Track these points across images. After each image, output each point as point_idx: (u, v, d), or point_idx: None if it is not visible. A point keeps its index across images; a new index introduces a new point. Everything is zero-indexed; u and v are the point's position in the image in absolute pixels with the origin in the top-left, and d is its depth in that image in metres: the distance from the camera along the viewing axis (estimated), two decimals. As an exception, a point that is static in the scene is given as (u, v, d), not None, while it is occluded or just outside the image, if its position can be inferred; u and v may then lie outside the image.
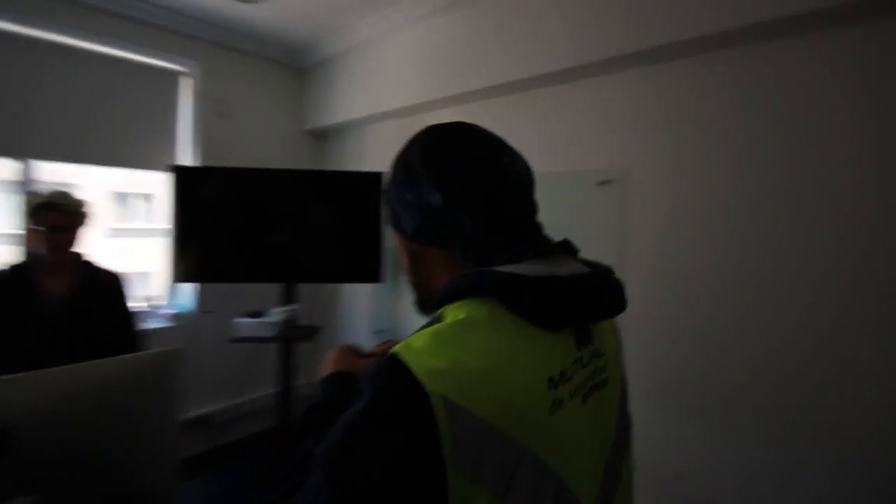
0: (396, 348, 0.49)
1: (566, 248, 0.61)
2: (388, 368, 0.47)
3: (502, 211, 0.60)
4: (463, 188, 0.60)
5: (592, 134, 1.79)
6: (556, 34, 1.75)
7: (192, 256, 2.23)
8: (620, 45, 1.58)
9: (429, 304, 0.67)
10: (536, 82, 1.90)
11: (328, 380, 0.76)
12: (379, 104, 2.48)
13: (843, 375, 1.27)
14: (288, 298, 2.42)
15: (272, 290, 2.45)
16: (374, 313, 2.73)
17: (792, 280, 1.35)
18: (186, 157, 2.54)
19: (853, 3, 1.16)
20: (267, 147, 2.81)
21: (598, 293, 0.58)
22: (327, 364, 0.80)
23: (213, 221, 2.26)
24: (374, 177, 2.34)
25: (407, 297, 2.55)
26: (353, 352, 0.84)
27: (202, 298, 2.49)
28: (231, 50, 2.61)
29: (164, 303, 2.57)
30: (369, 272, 2.39)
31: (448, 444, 0.43)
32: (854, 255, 1.26)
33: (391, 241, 0.71)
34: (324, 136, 3.09)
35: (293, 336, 2.33)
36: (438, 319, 0.53)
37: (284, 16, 2.39)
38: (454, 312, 0.52)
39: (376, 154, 2.72)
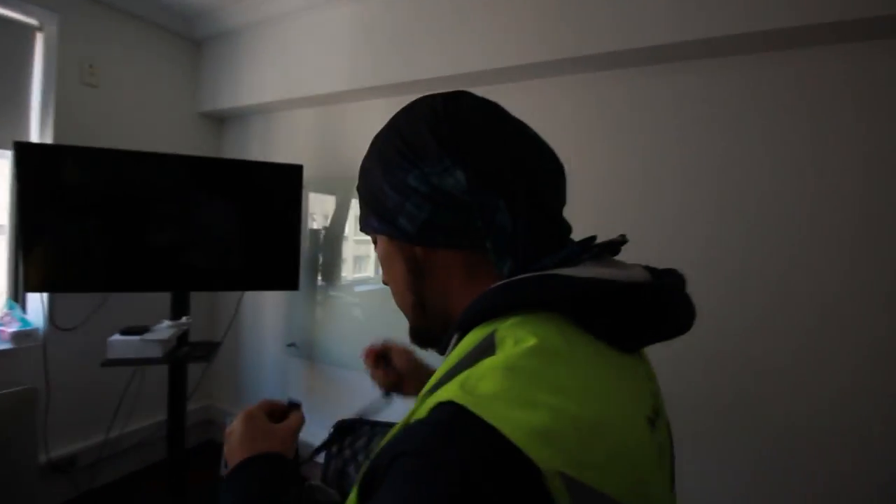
0: (454, 396, 0.32)
1: (612, 248, 0.47)
2: (461, 430, 0.30)
3: (546, 195, 0.46)
4: (495, 160, 0.45)
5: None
6: (501, 32, 1.66)
7: (43, 259, 1.74)
8: (563, 50, 1.54)
9: (434, 333, 0.50)
10: (476, 79, 1.78)
11: (242, 475, 0.54)
12: (295, 88, 2.19)
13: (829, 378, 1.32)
14: (178, 310, 2.02)
15: (158, 300, 2.02)
16: (287, 324, 2.40)
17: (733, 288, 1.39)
18: (45, 133, 2.00)
19: (769, 31, 1.22)
20: (149, 127, 2.33)
21: (676, 308, 0.44)
22: (233, 449, 0.58)
23: (73, 215, 1.79)
24: (294, 170, 2.05)
25: (326, 304, 2.30)
26: (266, 412, 0.64)
27: (57, 312, 1.97)
28: (103, 5, 2.12)
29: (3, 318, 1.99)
30: (284, 278, 2.09)
31: None
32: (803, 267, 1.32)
33: (373, 248, 0.55)
34: (222, 121, 2.67)
35: (186, 356, 1.94)
36: (490, 346, 0.37)
37: (179, -28, 2.00)
38: (515, 334, 0.37)
39: (289, 145, 2.41)
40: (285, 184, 2.06)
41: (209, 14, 2.35)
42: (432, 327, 0.51)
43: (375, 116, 2.12)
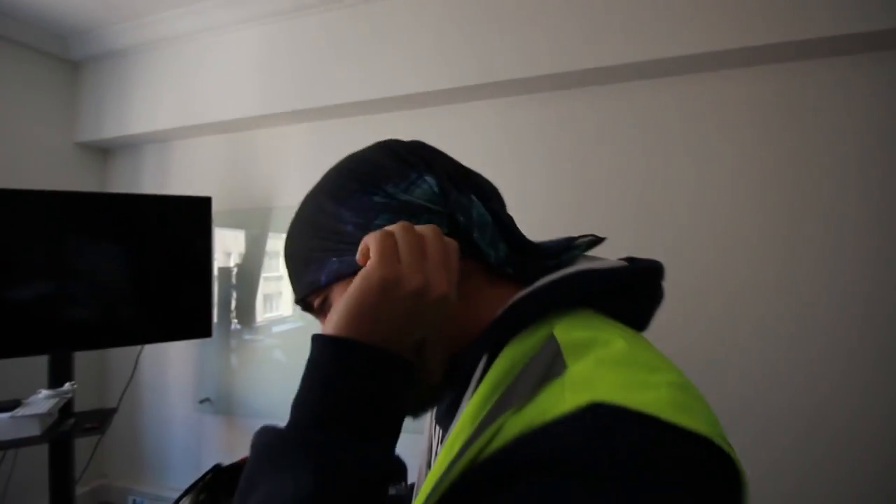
0: (600, 397, 0.28)
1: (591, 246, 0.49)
2: (628, 428, 0.27)
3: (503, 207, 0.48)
4: (455, 167, 0.47)
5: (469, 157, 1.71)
6: (419, 54, 1.65)
7: None
8: (493, 72, 1.57)
9: (429, 387, 0.43)
10: (399, 103, 1.75)
11: (353, 356, 0.35)
12: (197, 114, 1.99)
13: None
14: (59, 376, 1.70)
15: (31, 366, 1.68)
16: (198, 378, 2.12)
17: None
18: None
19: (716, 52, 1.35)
20: (16, 161, 1.98)
21: (660, 292, 0.46)
22: (351, 303, 0.36)
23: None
24: (201, 202, 1.84)
25: (242, 350, 2.07)
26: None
27: None
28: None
29: None
30: (194, 325, 1.85)
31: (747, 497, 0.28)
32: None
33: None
34: (106, 152, 2.35)
35: (72, 429, 1.63)
36: (556, 352, 0.34)
37: (49, -15, 1.74)
38: (575, 335, 0.35)
39: (189, 176, 2.17)
40: (191, 218, 1.84)
41: (90, 32, 2.08)
42: (429, 370, 0.42)
43: (289, 142, 1.99)
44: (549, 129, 1.63)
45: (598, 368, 0.31)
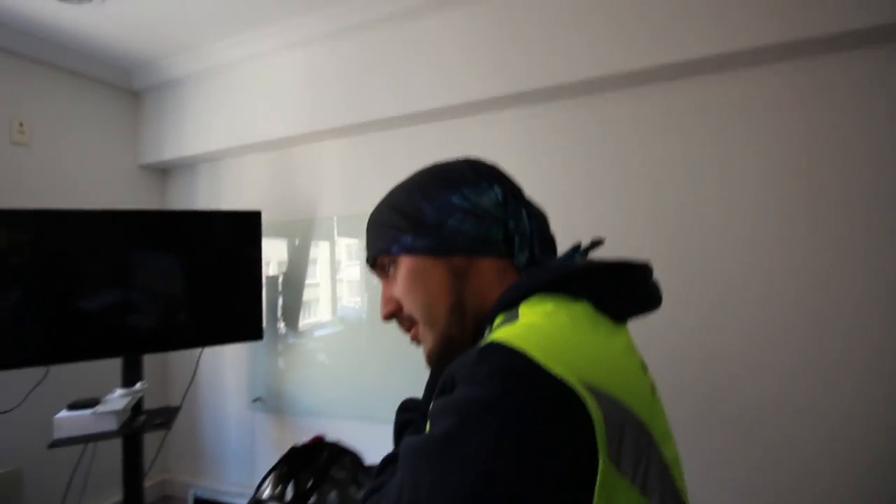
0: (496, 337, 0.43)
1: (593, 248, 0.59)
2: (501, 356, 0.40)
3: (540, 217, 0.60)
4: (513, 182, 0.59)
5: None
6: (448, 69, 1.75)
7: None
8: (512, 84, 1.65)
9: (465, 338, 0.56)
10: (430, 116, 1.85)
11: None
12: (244, 135, 2.16)
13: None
14: (131, 376, 1.88)
15: (106, 368, 1.87)
16: (251, 379, 2.28)
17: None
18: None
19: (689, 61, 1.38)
20: (87, 184, 2.20)
21: (647, 286, 0.54)
22: None
23: (2, 284, 1.65)
24: (252, 216, 2.00)
25: (289, 353, 2.21)
26: None
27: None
28: (31, 60, 2.02)
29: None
30: (246, 329, 2.00)
31: (600, 431, 0.37)
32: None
33: (396, 272, 0.59)
34: (165, 172, 2.57)
35: (143, 425, 1.79)
36: (515, 316, 0.47)
37: (116, 26, 1.94)
38: (532, 307, 0.48)
39: (240, 191, 2.35)
40: (243, 231, 2.00)
41: (148, 65, 2.29)
42: (466, 328, 0.56)
43: (329, 157, 2.13)
44: (571, 135, 1.69)
45: (512, 328, 0.44)
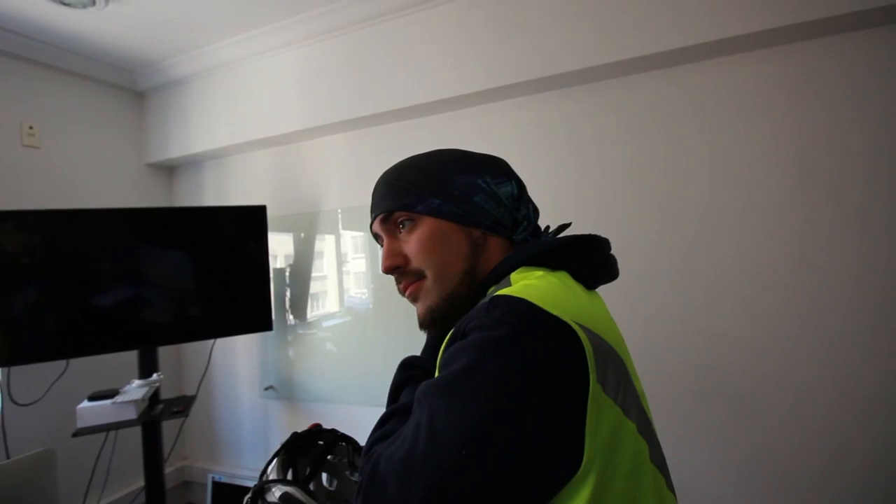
0: (501, 291, 0.51)
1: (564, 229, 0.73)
2: (510, 304, 0.48)
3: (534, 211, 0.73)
4: (522, 183, 0.70)
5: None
6: (442, 64, 1.78)
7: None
8: (501, 77, 1.68)
9: (466, 300, 0.63)
10: (427, 109, 1.89)
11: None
12: (248, 132, 2.21)
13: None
14: (147, 368, 1.95)
15: (123, 360, 1.95)
16: (263, 367, 2.36)
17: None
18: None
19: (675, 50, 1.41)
20: (97, 183, 2.27)
21: (609, 258, 0.67)
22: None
23: (20, 282, 1.72)
24: (258, 211, 2.05)
25: (299, 342, 2.28)
26: None
27: (14, 387, 1.86)
28: (39, 65, 2.07)
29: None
30: (257, 320, 2.07)
31: (590, 357, 0.45)
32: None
33: (419, 231, 0.65)
34: (172, 170, 2.63)
35: (161, 414, 1.88)
36: (507, 283, 0.56)
37: (118, 28, 1.99)
38: (525, 276, 0.57)
39: (245, 187, 2.41)
40: (249, 225, 2.06)
41: (152, 66, 2.34)
42: (471, 291, 0.63)
43: (331, 151, 2.17)
44: (559, 125, 1.72)
45: (510, 289, 0.52)
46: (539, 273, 0.56)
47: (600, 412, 0.44)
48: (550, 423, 0.43)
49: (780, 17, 1.33)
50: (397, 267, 0.64)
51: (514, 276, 0.57)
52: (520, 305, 0.47)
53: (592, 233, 0.64)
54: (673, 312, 1.53)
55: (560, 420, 0.43)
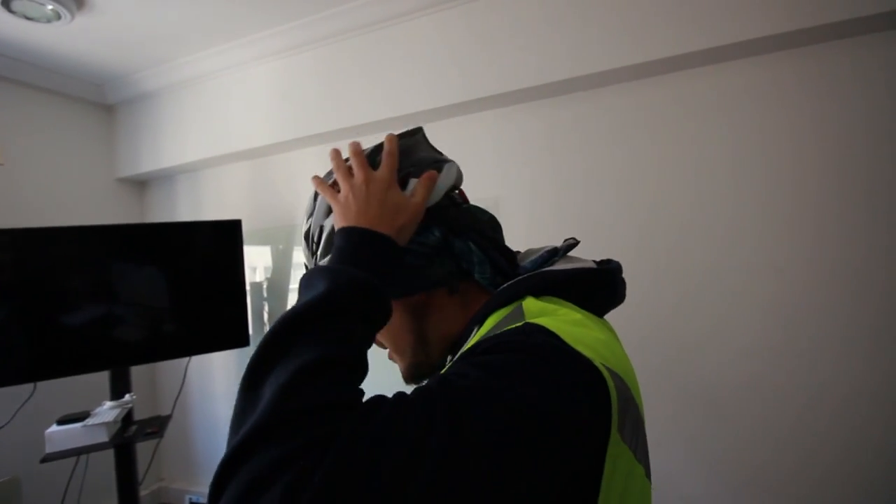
0: (534, 320, 0.45)
1: (570, 249, 0.62)
2: (541, 333, 0.43)
3: (494, 237, 0.61)
4: (457, 221, 0.59)
5: (463, 167, 1.85)
6: (415, 78, 1.79)
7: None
8: (479, 89, 1.70)
9: (434, 360, 0.60)
10: (396, 123, 1.89)
11: (370, 243, 0.51)
12: (222, 145, 2.19)
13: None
14: (119, 388, 1.90)
15: (94, 382, 1.89)
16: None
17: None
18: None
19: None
20: (65, 200, 2.21)
21: (619, 284, 0.60)
22: (349, 201, 0.55)
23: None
24: (233, 225, 2.03)
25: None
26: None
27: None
28: (3, 80, 2.02)
29: None
30: (233, 336, 2.03)
31: (615, 405, 0.41)
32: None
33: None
34: (144, 185, 2.58)
35: (134, 436, 1.83)
36: (519, 314, 0.49)
37: (86, 43, 1.95)
38: (535, 304, 0.50)
39: (220, 201, 2.37)
40: (224, 239, 2.03)
41: (121, 79, 2.30)
42: (433, 355, 0.60)
43: (306, 164, 2.16)
44: (533, 135, 1.75)
45: (541, 317, 0.47)
46: (550, 305, 0.50)
47: (616, 461, 0.41)
48: (569, 468, 0.39)
49: (774, 24, 1.34)
50: None
51: (527, 303, 0.50)
52: (550, 337, 0.42)
53: (606, 263, 0.59)
54: (650, 316, 1.56)
55: (579, 465, 0.40)
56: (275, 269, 2.29)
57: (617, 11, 1.51)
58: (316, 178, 0.61)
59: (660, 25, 1.46)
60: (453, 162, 0.62)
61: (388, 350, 0.64)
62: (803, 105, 1.43)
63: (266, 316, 2.28)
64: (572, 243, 0.61)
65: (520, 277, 0.55)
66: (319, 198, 0.61)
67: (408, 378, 0.62)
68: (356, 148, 0.58)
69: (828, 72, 1.40)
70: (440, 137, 1.86)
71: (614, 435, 0.41)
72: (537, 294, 0.52)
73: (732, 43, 1.39)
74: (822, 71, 1.41)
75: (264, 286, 2.31)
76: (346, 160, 0.59)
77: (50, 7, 1.66)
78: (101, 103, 2.40)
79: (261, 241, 2.28)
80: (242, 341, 2.04)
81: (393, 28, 1.83)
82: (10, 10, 1.67)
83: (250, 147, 2.13)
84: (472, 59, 1.71)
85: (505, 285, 0.55)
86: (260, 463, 0.33)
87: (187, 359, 2.16)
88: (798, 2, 1.31)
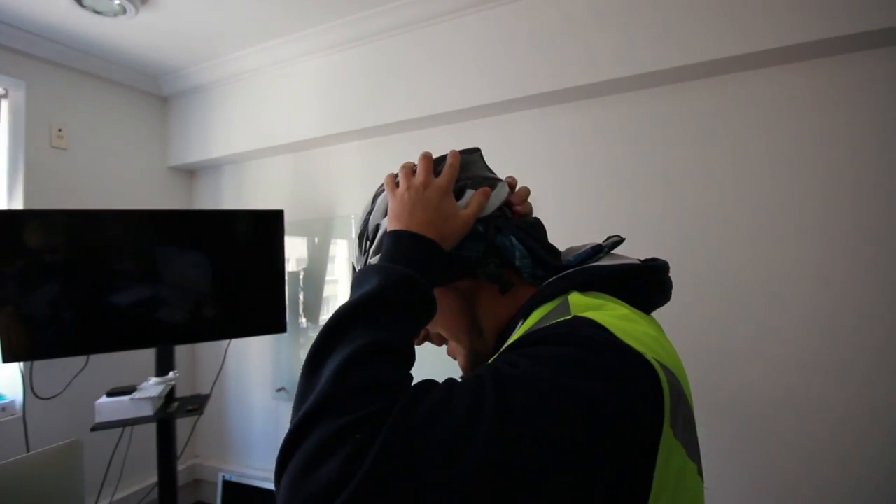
0: (584, 314, 0.46)
1: (615, 246, 0.62)
2: (595, 328, 0.43)
3: (537, 235, 0.61)
4: (496, 217, 0.60)
5: (504, 166, 1.85)
6: (455, 76, 1.81)
7: (15, 328, 1.70)
8: (518, 89, 1.71)
9: (489, 347, 0.61)
10: (443, 119, 1.92)
11: (417, 246, 0.53)
12: (266, 138, 2.26)
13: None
14: (164, 366, 2.00)
15: (141, 358, 2.00)
16: (275, 369, 2.39)
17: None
18: (15, 198, 1.98)
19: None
20: (120, 185, 2.34)
21: (666, 283, 0.60)
22: (404, 198, 0.58)
23: (44, 280, 1.77)
24: (275, 215, 2.10)
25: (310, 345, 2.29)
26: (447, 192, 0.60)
27: (36, 381, 1.91)
28: (69, 69, 2.15)
29: (-27, 394, 1.91)
30: (271, 322, 2.10)
31: (667, 400, 0.41)
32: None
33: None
34: (192, 174, 2.70)
35: (176, 411, 1.91)
36: (565, 308, 0.49)
37: (146, 36, 2.06)
38: (581, 299, 0.51)
39: (263, 191, 2.46)
40: (266, 229, 2.10)
41: (176, 72, 2.41)
42: (489, 343, 0.61)
43: (347, 158, 2.22)
44: (585, 135, 1.74)
45: (588, 311, 0.47)
46: (598, 301, 0.50)
47: (669, 456, 0.41)
48: (619, 463, 0.39)
49: (804, 33, 1.33)
50: (423, 338, 0.65)
51: (573, 298, 0.51)
52: (603, 331, 0.42)
53: (651, 259, 0.58)
54: (689, 323, 1.53)
55: (630, 460, 0.39)
56: (311, 260, 2.35)
57: (660, 13, 1.50)
58: (388, 174, 0.65)
59: (698, 30, 1.44)
60: (504, 181, 0.64)
61: (447, 347, 0.66)
62: (844, 111, 1.39)
63: (301, 305, 2.35)
64: (617, 240, 0.61)
65: (565, 273, 0.55)
66: (379, 199, 0.64)
67: (468, 370, 0.63)
68: (426, 153, 0.62)
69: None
70: (480, 135, 1.90)
71: (667, 430, 0.40)
72: (583, 289, 0.52)
73: (791, 45, 1.35)
74: (884, 75, 1.36)
75: (301, 276, 2.38)
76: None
77: (117, 1, 1.76)
78: (157, 95, 2.52)
79: (299, 232, 2.35)
80: (279, 327, 2.11)
81: (437, 26, 1.86)
82: (81, 5, 1.78)
83: (293, 140, 2.19)
84: (514, 59, 1.71)
85: (550, 280, 0.55)
86: (321, 435, 0.36)
87: (227, 342, 2.25)
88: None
